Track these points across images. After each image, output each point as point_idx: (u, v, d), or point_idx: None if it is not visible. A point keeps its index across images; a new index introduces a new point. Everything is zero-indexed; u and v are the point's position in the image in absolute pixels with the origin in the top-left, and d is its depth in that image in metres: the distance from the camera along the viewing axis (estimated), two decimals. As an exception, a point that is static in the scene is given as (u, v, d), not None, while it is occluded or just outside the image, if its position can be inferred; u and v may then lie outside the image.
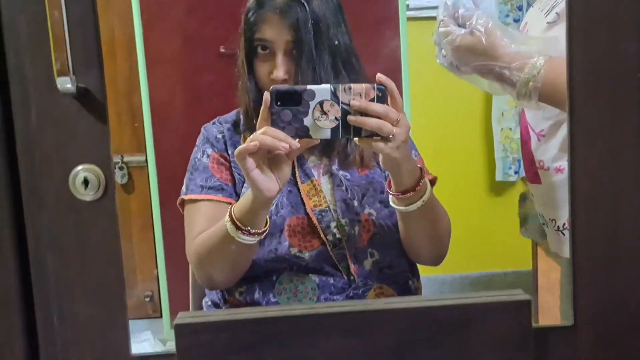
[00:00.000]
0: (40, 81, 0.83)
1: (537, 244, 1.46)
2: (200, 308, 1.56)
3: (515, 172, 2.18)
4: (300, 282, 1.38)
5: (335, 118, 1.10)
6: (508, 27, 1.16)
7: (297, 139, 1.12)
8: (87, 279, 0.86)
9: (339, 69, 1.34)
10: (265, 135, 1.11)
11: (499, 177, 2.16)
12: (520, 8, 1.78)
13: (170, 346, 0.83)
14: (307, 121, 1.10)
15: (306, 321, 0.78)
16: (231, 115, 1.52)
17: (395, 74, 2.41)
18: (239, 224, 1.22)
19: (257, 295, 1.38)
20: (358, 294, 1.39)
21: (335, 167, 1.43)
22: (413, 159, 1.26)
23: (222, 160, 1.43)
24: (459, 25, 1.13)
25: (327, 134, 1.11)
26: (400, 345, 0.77)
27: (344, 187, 1.41)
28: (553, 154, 1.28)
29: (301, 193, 1.40)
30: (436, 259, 1.40)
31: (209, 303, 1.48)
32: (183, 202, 1.43)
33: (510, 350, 0.81)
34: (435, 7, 1.21)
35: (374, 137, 1.15)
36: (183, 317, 0.82)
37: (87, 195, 0.85)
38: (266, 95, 1.11)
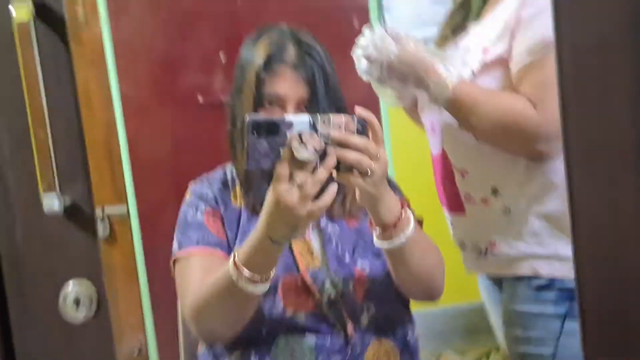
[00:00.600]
0: (25, 198, 0.79)
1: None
2: (193, 358, 1.52)
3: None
4: (296, 344, 1.36)
5: (315, 149, 1.07)
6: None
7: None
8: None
9: None
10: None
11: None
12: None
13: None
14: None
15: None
16: (219, 174, 1.49)
17: (374, 104, 2.42)
18: (243, 270, 1.18)
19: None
20: (357, 353, 1.37)
21: (323, 222, 1.41)
22: (392, 194, 1.23)
23: (216, 216, 1.40)
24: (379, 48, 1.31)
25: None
26: None
27: (334, 243, 1.39)
28: (478, 187, 1.38)
29: (294, 252, 1.38)
30: (431, 296, 1.38)
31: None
32: (173, 262, 1.40)
33: None
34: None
35: (352, 172, 1.12)
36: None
37: (79, 316, 0.81)
38: (288, 148, 1.07)
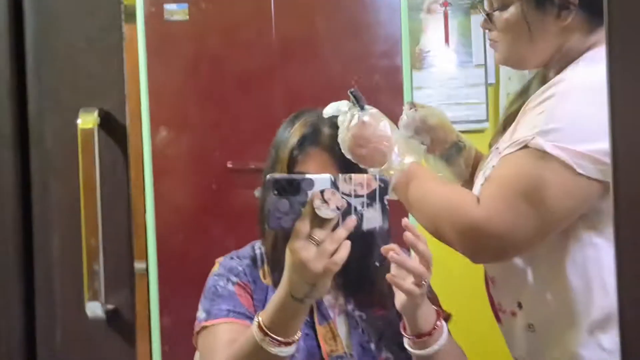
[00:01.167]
0: (68, 303, 0.79)
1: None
2: None
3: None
4: None
5: (337, 207, 1.06)
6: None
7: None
8: None
9: None
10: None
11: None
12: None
13: None
14: None
15: None
16: (248, 251, 1.49)
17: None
18: (267, 331, 1.17)
19: None
20: None
21: (350, 306, 1.41)
22: (430, 305, 1.23)
23: (246, 291, 1.40)
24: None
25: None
26: None
27: (360, 330, 1.38)
28: (507, 297, 1.32)
29: (318, 337, 1.37)
30: None
31: None
32: (198, 331, 1.39)
33: None
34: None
35: (410, 280, 1.15)
36: None
37: None
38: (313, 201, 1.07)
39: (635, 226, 0.67)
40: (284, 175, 1.10)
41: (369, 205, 1.08)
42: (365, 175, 1.10)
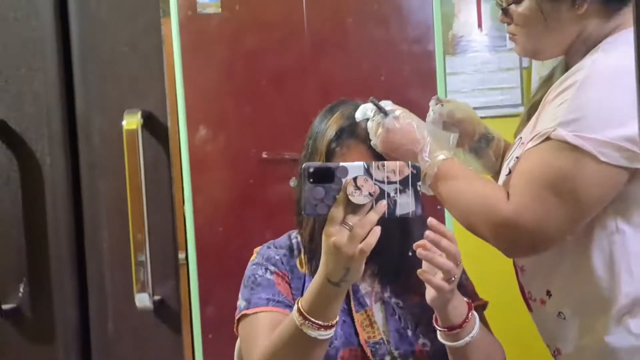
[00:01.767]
0: (119, 295, 0.84)
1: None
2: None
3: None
4: (354, 419, 1.36)
5: (370, 193, 1.08)
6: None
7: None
8: None
9: None
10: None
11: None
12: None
13: None
14: None
15: None
16: (284, 240, 1.52)
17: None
18: (307, 315, 1.20)
19: None
20: None
21: (387, 294, 1.43)
22: (460, 297, 1.25)
23: (284, 280, 1.43)
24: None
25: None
26: None
27: (397, 316, 1.40)
28: (536, 287, 1.33)
29: (355, 323, 1.39)
30: None
31: None
32: (239, 319, 1.42)
33: None
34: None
35: (440, 276, 1.16)
36: None
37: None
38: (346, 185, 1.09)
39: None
40: (319, 163, 1.13)
41: (402, 191, 1.10)
42: (397, 162, 1.11)
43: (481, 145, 1.47)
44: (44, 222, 0.88)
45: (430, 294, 1.23)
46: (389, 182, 1.10)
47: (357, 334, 1.38)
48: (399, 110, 1.32)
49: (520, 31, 1.28)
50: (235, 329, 1.42)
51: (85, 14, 0.88)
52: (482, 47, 2.88)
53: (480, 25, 2.88)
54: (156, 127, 0.84)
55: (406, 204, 1.10)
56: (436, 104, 1.43)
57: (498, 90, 2.88)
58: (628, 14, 1.21)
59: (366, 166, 1.08)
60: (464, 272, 1.48)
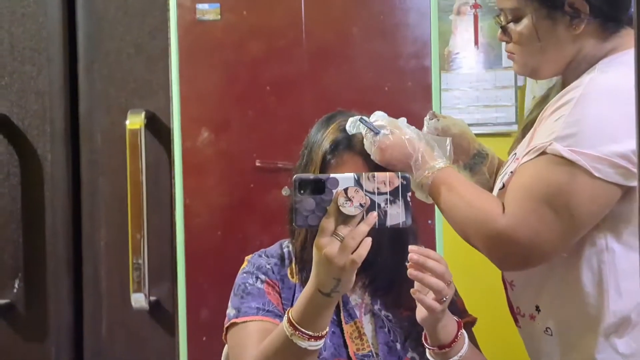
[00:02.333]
0: (114, 294, 0.83)
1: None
2: None
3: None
4: None
5: (361, 204, 1.07)
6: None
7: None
8: None
9: None
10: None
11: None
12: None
13: None
14: None
15: None
16: (276, 249, 1.51)
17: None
18: (297, 326, 1.20)
19: None
20: None
21: (377, 306, 1.43)
22: (451, 316, 1.26)
23: (275, 289, 1.43)
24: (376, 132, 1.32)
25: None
26: None
27: (386, 329, 1.40)
28: (526, 301, 1.32)
29: (344, 335, 1.39)
30: None
31: None
32: (228, 327, 1.42)
33: None
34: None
35: (431, 297, 1.15)
36: None
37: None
38: (337, 196, 1.10)
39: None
40: (310, 175, 1.13)
41: (392, 202, 1.10)
42: (387, 172, 1.11)
43: (475, 162, 1.48)
44: (42, 218, 0.88)
45: (421, 313, 1.24)
46: (380, 193, 1.10)
47: (346, 346, 1.38)
48: (389, 127, 1.31)
49: (518, 50, 1.30)
50: (223, 337, 1.42)
51: (92, 15, 0.89)
52: (478, 65, 2.90)
53: (476, 43, 2.90)
54: (159, 128, 0.85)
55: (396, 215, 1.10)
56: (431, 119, 1.44)
57: (493, 107, 2.90)
58: (625, 36, 1.23)
59: (356, 177, 1.09)
60: (454, 289, 1.48)
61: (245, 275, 1.45)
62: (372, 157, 1.33)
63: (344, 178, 1.08)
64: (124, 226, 0.85)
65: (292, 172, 1.45)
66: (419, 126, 1.47)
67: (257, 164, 2.48)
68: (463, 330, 1.27)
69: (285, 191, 2.46)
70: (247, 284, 1.42)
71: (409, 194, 1.10)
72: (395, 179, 1.09)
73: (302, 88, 2.52)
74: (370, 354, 1.37)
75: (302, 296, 1.20)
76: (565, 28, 1.23)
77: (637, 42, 0.70)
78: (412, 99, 2.54)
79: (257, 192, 2.48)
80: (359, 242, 1.11)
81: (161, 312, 0.86)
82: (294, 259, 1.46)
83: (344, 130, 1.39)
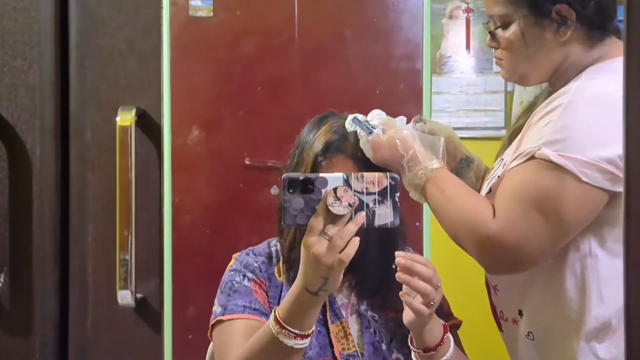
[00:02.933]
0: (100, 290, 0.84)
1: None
2: None
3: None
4: None
5: (349, 204, 1.09)
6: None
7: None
8: None
9: None
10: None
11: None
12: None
13: None
14: None
15: None
16: (264, 248, 1.52)
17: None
18: (283, 324, 1.20)
19: None
20: None
21: (364, 307, 1.43)
22: (437, 319, 1.26)
23: (262, 287, 1.43)
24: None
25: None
26: None
27: (372, 330, 1.41)
28: (509, 305, 1.34)
29: (330, 334, 1.40)
30: None
31: None
32: (214, 324, 1.42)
33: None
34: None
35: (419, 300, 1.17)
36: None
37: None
38: (326, 195, 1.11)
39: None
40: (299, 174, 1.14)
41: (381, 202, 1.11)
42: (376, 173, 1.12)
43: (462, 167, 1.49)
44: (30, 212, 0.88)
45: (408, 316, 1.24)
46: (368, 193, 1.11)
47: (331, 345, 1.38)
48: (381, 126, 1.32)
49: (506, 56, 1.31)
50: (209, 334, 1.42)
51: (85, 10, 0.89)
52: (469, 69, 2.92)
53: (468, 47, 2.92)
54: (150, 126, 0.85)
55: (385, 215, 1.11)
56: (417, 123, 1.45)
57: (482, 112, 2.91)
58: (610, 44, 1.25)
59: (345, 177, 1.10)
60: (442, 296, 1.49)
61: (232, 273, 1.45)
62: (366, 154, 1.35)
63: (333, 178, 1.09)
64: (112, 222, 0.85)
65: (282, 172, 1.45)
66: (411, 129, 1.47)
67: (247, 162, 2.49)
68: (449, 334, 1.28)
69: (274, 190, 2.46)
70: (234, 282, 1.43)
71: (397, 194, 1.11)
72: (384, 179, 1.10)
73: (293, 88, 2.53)
74: (355, 353, 1.38)
75: (289, 295, 1.21)
76: (552, 35, 1.24)
77: (626, 50, 0.71)
78: (403, 101, 2.56)
79: (246, 190, 2.50)
80: (347, 242, 1.12)
81: (147, 309, 0.87)
82: (281, 258, 1.47)
83: (336, 131, 1.39)
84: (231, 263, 1.49)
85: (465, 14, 2.91)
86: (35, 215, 0.90)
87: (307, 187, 1.08)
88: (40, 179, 0.89)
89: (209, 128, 2.48)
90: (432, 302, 1.18)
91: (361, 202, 1.10)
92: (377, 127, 1.32)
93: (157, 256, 0.85)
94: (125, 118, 0.83)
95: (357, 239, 1.13)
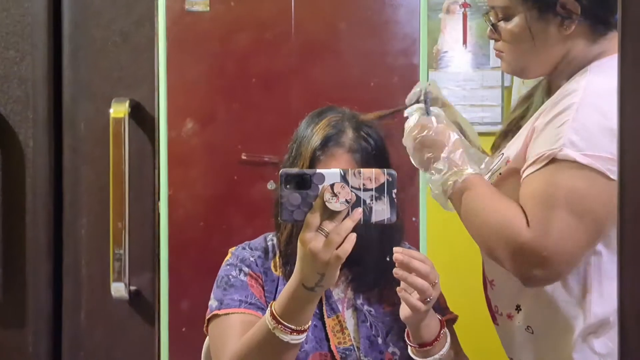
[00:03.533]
0: (94, 283, 0.83)
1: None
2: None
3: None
4: None
5: (346, 200, 1.10)
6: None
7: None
8: None
9: None
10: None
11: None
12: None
13: None
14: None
15: None
16: (260, 242, 1.52)
17: (413, 185, 2.46)
18: (280, 319, 1.21)
19: None
20: None
21: (360, 301, 1.44)
22: (434, 315, 1.27)
23: (258, 282, 1.43)
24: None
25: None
26: None
27: (368, 324, 1.41)
28: (505, 301, 1.35)
29: (326, 328, 1.40)
30: None
31: None
32: (209, 319, 1.42)
33: None
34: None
35: (416, 296, 1.18)
36: None
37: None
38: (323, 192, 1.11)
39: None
40: (296, 169, 1.14)
41: (378, 198, 1.11)
42: (373, 169, 1.13)
43: None
44: (23, 205, 0.88)
45: (405, 311, 1.24)
46: (365, 189, 1.11)
47: (327, 339, 1.38)
48: (441, 114, 1.29)
49: (507, 48, 1.30)
50: (205, 328, 1.42)
51: (78, 1, 0.88)
52: (466, 64, 2.92)
53: (465, 42, 2.91)
54: (143, 118, 0.84)
55: (381, 211, 1.11)
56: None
57: (479, 107, 2.91)
58: (613, 39, 1.24)
59: (343, 173, 1.10)
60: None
61: (228, 267, 1.45)
62: (407, 136, 1.30)
63: (330, 174, 1.09)
64: (106, 215, 0.85)
65: (280, 166, 1.45)
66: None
67: (243, 157, 2.49)
68: (446, 329, 1.28)
69: (270, 185, 2.46)
70: (230, 276, 1.43)
71: (395, 190, 1.11)
72: (381, 175, 1.10)
73: (289, 82, 2.53)
74: (351, 347, 1.38)
75: (286, 290, 1.21)
76: (556, 28, 1.24)
77: (620, 46, 0.71)
78: (399, 96, 2.55)
79: (240, 184, 2.50)
80: (343, 238, 1.12)
81: (141, 302, 0.86)
82: (277, 252, 1.47)
83: (335, 126, 1.39)
84: (227, 257, 1.49)
85: (462, 9, 2.91)
86: (29, 207, 0.89)
87: (304, 182, 1.09)
88: (33, 171, 0.89)
89: (204, 121, 2.48)
90: (428, 299, 1.19)
91: (358, 198, 1.10)
92: (439, 116, 1.29)
93: (151, 249, 0.85)
94: (119, 110, 0.83)
95: (354, 235, 1.14)
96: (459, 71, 2.88)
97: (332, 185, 1.09)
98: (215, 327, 1.39)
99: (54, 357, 0.86)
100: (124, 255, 0.81)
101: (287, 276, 1.42)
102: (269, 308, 1.23)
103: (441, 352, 1.27)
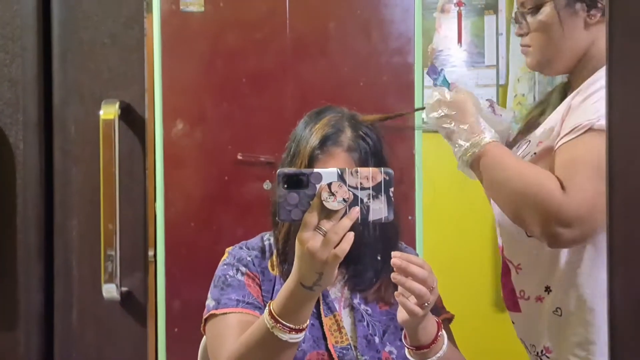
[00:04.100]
0: (85, 284, 0.84)
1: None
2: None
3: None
4: None
5: (344, 199, 1.10)
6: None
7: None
8: None
9: None
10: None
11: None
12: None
13: None
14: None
15: None
16: (257, 241, 1.52)
17: (409, 184, 2.46)
18: (278, 318, 1.21)
19: None
20: None
21: (357, 300, 1.44)
22: (431, 317, 1.27)
23: (255, 281, 1.44)
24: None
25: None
26: None
27: (365, 323, 1.42)
28: (533, 284, 1.35)
29: (323, 327, 1.40)
30: None
31: None
32: (207, 318, 1.42)
33: None
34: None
35: (413, 301, 1.17)
36: None
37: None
38: (320, 190, 1.11)
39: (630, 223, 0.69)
40: (293, 169, 1.14)
41: (375, 197, 1.12)
42: (370, 168, 1.13)
43: None
44: (14, 206, 0.88)
45: (402, 315, 1.24)
46: (362, 188, 1.12)
47: (325, 338, 1.39)
48: (460, 87, 1.33)
49: (536, 39, 1.31)
50: (202, 328, 1.42)
51: (67, 3, 0.88)
52: (461, 63, 2.92)
53: (460, 41, 2.92)
54: (133, 119, 0.85)
55: (379, 210, 1.12)
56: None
57: (474, 105, 2.91)
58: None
59: (340, 172, 1.10)
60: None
61: (225, 267, 1.45)
62: (429, 108, 1.33)
63: (328, 173, 1.09)
64: (97, 216, 0.85)
65: (278, 165, 1.45)
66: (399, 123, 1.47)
67: (239, 157, 2.49)
68: (443, 331, 1.28)
69: (267, 185, 2.47)
70: (227, 276, 1.43)
71: (392, 189, 1.12)
72: (378, 174, 1.11)
73: (284, 82, 2.52)
74: (348, 346, 1.38)
75: (284, 289, 1.21)
76: (583, 17, 1.27)
77: (608, 41, 0.72)
78: (394, 95, 2.55)
79: (232, 184, 2.49)
80: (341, 237, 1.12)
81: (133, 303, 0.87)
82: (275, 252, 1.47)
83: (333, 125, 1.39)
84: (224, 257, 1.49)
85: (457, 8, 2.91)
86: (19, 209, 0.90)
87: (301, 182, 1.09)
88: (24, 173, 0.89)
89: (196, 122, 2.47)
90: (426, 304, 1.19)
91: (355, 197, 1.10)
92: (457, 89, 1.32)
93: (142, 249, 0.85)
94: (109, 111, 0.83)
95: (352, 234, 1.14)
96: (454, 70, 2.88)
97: (329, 185, 1.09)
98: (212, 327, 1.39)
99: (45, 357, 0.86)
100: (115, 256, 0.82)
101: (284, 275, 1.43)
102: (267, 307, 1.23)
103: (438, 354, 1.27)
